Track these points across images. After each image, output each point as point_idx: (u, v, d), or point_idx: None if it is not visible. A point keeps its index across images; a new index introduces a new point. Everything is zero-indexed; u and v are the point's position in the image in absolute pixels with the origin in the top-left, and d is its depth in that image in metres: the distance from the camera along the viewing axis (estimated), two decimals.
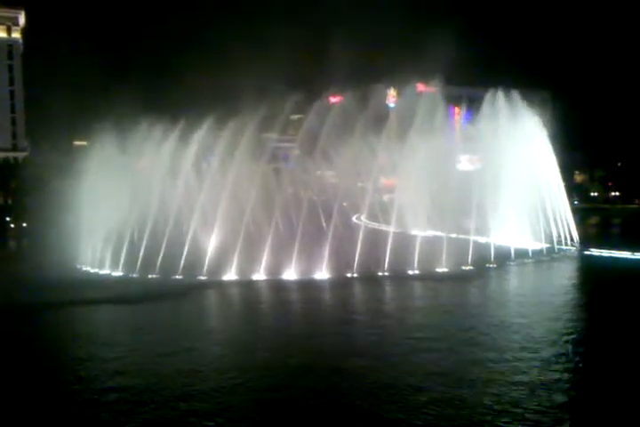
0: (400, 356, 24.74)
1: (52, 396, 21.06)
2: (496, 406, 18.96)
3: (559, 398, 19.80)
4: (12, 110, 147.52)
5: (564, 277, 48.82)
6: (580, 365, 23.72)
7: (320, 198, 78.41)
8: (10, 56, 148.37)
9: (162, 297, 40.13)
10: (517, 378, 21.49)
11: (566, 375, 22.02)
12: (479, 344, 26.38)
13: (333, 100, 61.97)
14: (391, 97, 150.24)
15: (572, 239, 61.99)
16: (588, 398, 20.27)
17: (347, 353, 25.42)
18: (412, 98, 58.25)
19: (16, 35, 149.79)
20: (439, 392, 20.20)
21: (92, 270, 51.77)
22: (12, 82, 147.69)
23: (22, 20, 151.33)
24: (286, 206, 56.73)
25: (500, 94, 58.86)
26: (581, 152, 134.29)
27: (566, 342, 26.84)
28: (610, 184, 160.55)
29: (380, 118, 56.69)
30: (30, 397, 20.81)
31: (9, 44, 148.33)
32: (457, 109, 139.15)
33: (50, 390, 21.69)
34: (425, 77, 58.03)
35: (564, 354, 24.71)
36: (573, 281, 47.19)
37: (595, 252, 57.69)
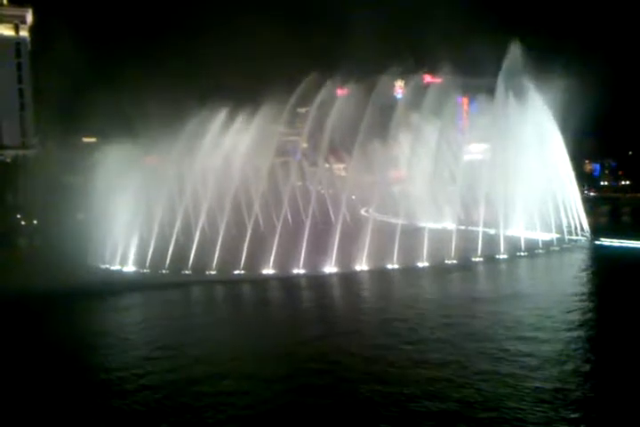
0: None
1: None
2: None
3: None
4: (22, 108, 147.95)
5: (576, 268, 47.83)
6: None
7: (328, 191, 78.33)
8: (18, 54, 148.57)
9: None
10: None
11: None
12: None
13: (340, 92, 61.63)
14: (398, 88, 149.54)
15: (582, 229, 61.39)
16: None
17: None
18: (420, 89, 57.85)
19: (24, 33, 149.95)
20: None
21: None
22: (20, 80, 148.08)
23: (30, 18, 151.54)
24: (294, 200, 56.52)
25: (509, 82, 57.97)
26: (592, 141, 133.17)
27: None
28: (620, 173, 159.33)
29: (388, 110, 56.30)
30: None
31: (17, 43, 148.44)
32: (465, 99, 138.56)
33: None
34: (432, 68, 57.61)
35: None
36: (586, 272, 45.89)
37: (606, 242, 57.17)
